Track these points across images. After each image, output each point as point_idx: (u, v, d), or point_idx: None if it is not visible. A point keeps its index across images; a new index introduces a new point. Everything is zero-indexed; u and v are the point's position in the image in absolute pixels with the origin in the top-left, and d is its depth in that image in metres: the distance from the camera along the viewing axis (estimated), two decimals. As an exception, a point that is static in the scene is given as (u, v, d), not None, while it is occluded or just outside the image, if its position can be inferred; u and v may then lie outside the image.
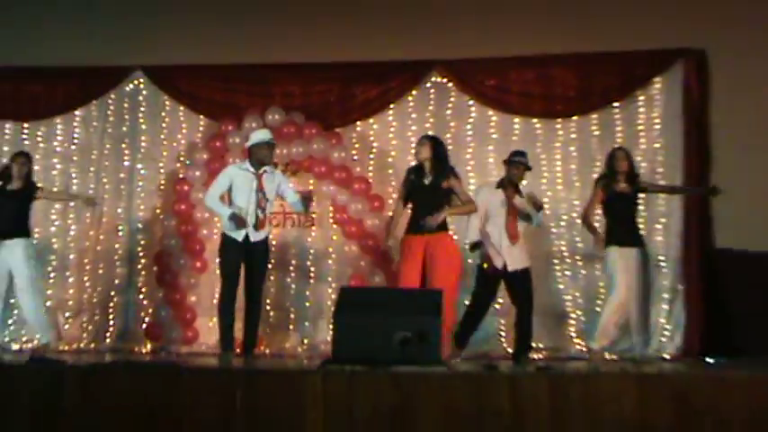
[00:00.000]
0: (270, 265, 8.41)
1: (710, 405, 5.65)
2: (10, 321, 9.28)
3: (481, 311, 8.29)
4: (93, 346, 9.53)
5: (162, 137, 9.97)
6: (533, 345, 8.41)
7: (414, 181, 7.99)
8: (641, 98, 9.35)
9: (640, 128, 9.32)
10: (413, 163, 8.28)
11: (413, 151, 9.40)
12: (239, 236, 7.77)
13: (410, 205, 8.01)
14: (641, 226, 8.86)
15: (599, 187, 8.27)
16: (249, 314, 7.93)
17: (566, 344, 9.11)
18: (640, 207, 8.94)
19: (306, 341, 9.28)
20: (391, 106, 9.74)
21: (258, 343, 8.48)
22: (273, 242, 8.83)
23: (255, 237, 7.84)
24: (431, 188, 7.89)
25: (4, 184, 8.58)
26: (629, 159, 8.26)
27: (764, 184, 8.76)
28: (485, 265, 8.15)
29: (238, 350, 7.94)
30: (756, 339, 8.41)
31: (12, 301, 8.85)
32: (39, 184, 8.77)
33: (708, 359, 8.25)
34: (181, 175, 9.65)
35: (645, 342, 8.28)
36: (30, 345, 9.03)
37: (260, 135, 8.05)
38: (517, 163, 8.21)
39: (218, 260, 8.03)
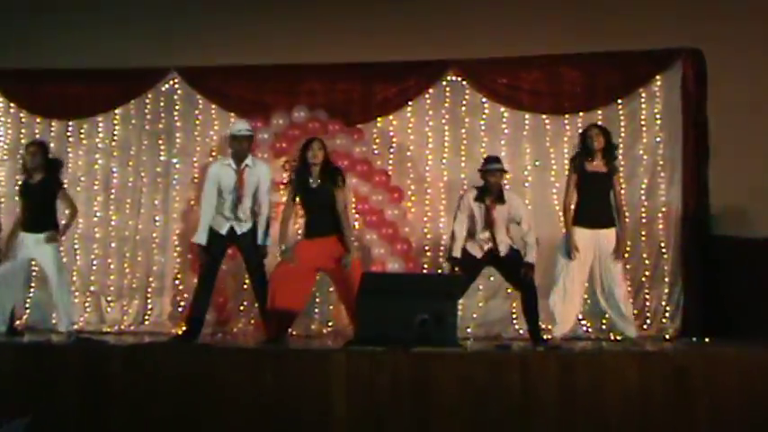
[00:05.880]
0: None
1: (707, 380, 5.73)
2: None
3: None
4: (132, 327, 9.61)
5: (195, 133, 10.01)
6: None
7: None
8: (643, 95, 9.37)
9: (642, 123, 9.33)
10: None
11: (430, 146, 9.64)
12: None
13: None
14: (643, 212, 9.05)
15: (571, 169, 7.55)
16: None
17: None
18: (642, 196, 9.09)
19: (330, 324, 9.23)
20: (409, 104, 9.75)
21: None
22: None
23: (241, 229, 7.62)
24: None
25: (27, 178, 8.14)
26: (605, 136, 7.44)
27: (758, 175, 8.73)
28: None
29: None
30: (749, 320, 8.41)
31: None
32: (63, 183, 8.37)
33: (705, 339, 8.25)
34: (213, 169, 9.69)
35: (625, 325, 7.44)
36: (75, 327, 9.04)
37: (237, 126, 7.86)
38: (493, 171, 7.58)
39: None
